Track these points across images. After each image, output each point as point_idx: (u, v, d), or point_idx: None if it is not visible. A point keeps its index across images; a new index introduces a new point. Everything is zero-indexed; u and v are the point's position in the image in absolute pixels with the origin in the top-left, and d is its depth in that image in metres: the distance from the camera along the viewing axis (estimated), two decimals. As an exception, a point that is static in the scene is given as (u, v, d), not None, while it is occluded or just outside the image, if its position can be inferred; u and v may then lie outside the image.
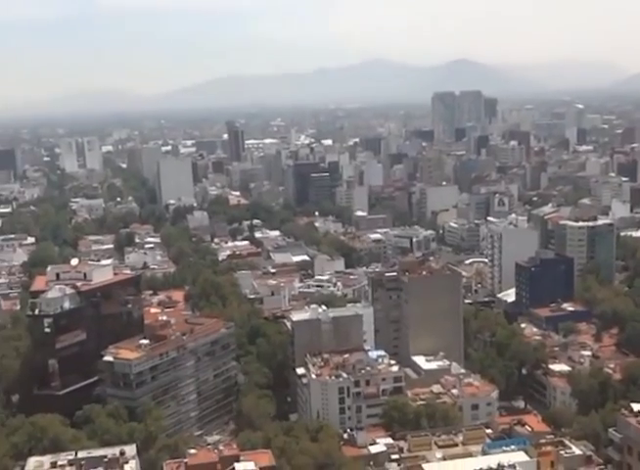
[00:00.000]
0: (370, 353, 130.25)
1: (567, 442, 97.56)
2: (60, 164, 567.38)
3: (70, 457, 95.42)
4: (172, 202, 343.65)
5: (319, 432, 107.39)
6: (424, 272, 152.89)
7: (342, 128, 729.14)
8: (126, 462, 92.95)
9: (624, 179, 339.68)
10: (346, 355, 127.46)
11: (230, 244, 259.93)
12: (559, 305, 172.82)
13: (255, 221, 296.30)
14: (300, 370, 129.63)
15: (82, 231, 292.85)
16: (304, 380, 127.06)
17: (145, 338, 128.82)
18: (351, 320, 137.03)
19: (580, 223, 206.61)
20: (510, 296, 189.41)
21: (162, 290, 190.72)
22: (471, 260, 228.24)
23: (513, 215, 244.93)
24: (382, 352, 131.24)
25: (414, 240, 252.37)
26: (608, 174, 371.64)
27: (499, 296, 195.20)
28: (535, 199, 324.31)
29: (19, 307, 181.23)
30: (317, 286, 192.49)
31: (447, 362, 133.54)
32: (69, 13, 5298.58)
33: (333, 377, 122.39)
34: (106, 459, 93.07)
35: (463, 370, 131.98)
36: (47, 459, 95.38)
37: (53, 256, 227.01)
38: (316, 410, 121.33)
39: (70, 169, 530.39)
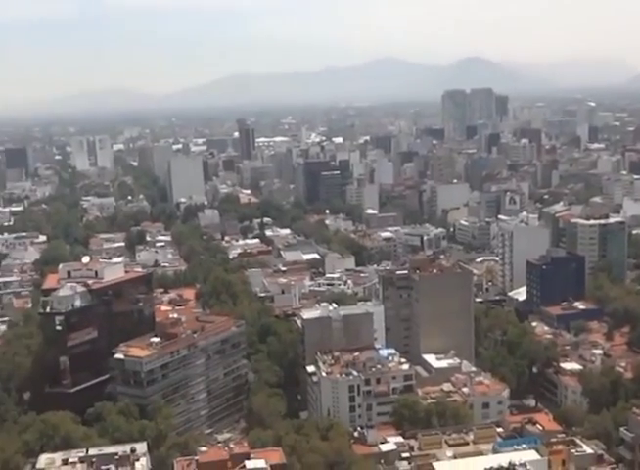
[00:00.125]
0: (380, 352, 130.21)
1: (578, 440, 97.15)
2: (71, 163, 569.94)
3: (82, 455, 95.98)
4: (183, 200, 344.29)
5: (329, 430, 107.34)
6: (434, 270, 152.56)
7: (353, 126, 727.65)
8: (137, 460, 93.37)
9: (636, 177, 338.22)
10: (357, 354, 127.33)
11: (241, 242, 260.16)
12: (570, 304, 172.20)
13: (266, 219, 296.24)
14: (311, 368, 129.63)
15: (93, 229, 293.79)
16: (315, 378, 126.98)
17: (156, 336, 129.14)
18: (362, 318, 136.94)
19: (592, 221, 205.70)
20: (521, 294, 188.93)
21: (173, 288, 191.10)
22: (481, 259, 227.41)
23: (524, 214, 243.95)
24: (392, 351, 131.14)
25: (425, 238, 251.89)
26: (619, 172, 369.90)
27: (510, 294, 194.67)
28: (546, 197, 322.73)
29: (30, 305, 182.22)
30: (328, 284, 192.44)
31: (458, 361, 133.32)
32: (77, 13, 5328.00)
33: (343, 375, 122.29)
34: (117, 457, 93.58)
35: (474, 368, 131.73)
36: (58, 457, 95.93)
37: (64, 254, 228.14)
38: (327, 408, 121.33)
39: (82, 168, 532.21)
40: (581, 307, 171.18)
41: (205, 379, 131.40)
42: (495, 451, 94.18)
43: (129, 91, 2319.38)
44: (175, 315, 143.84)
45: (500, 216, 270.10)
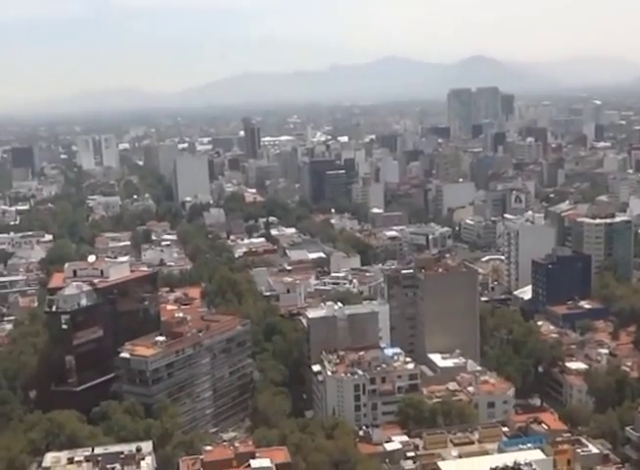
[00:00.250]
0: (386, 351, 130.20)
1: (583, 440, 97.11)
2: (77, 162, 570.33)
3: (87, 453, 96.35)
4: (189, 199, 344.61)
5: (334, 429, 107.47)
6: (440, 269, 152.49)
7: (358, 125, 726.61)
8: (142, 458, 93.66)
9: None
10: (362, 353, 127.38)
11: (246, 241, 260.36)
12: (576, 303, 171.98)
13: (271, 218, 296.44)
14: (316, 367, 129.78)
15: (99, 228, 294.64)
16: (320, 377, 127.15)
17: (161, 335, 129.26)
18: (367, 317, 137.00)
19: (598, 220, 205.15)
20: (526, 293, 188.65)
21: (179, 287, 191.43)
22: (487, 258, 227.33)
23: (530, 212, 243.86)
24: (397, 350, 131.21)
25: (430, 237, 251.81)
26: (626, 171, 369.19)
27: (516, 293, 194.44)
28: (552, 196, 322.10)
29: (36, 304, 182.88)
30: (333, 283, 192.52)
31: (463, 360, 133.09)
32: (80, 13, 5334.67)
33: (348, 374, 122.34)
34: (122, 455, 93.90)
35: (479, 368, 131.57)
36: (64, 455, 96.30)
37: (70, 253, 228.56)
38: (332, 407, 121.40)
39: (87, 167, 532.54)
40: (587, 307, 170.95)
41: (211, 378, 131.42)
42: (500, 451, 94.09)
43: (132, 91, 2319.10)
44: (181, 314, 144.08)
45: (506, 215, 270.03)
